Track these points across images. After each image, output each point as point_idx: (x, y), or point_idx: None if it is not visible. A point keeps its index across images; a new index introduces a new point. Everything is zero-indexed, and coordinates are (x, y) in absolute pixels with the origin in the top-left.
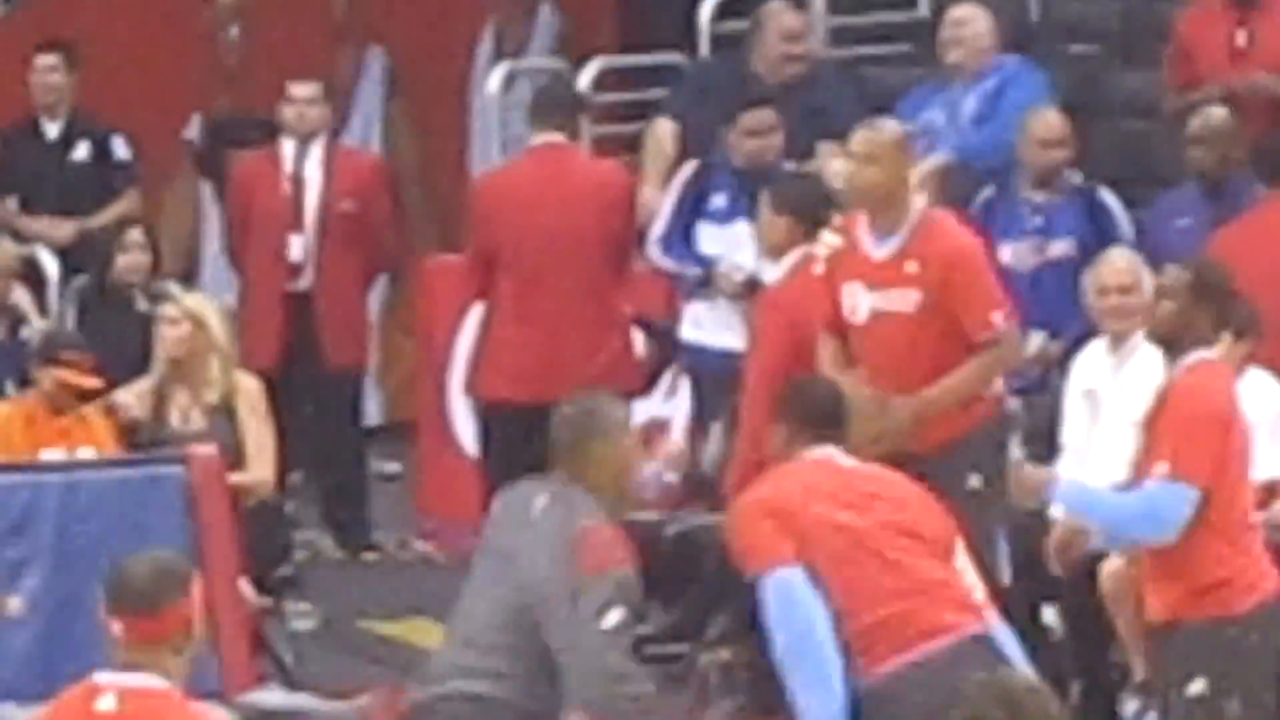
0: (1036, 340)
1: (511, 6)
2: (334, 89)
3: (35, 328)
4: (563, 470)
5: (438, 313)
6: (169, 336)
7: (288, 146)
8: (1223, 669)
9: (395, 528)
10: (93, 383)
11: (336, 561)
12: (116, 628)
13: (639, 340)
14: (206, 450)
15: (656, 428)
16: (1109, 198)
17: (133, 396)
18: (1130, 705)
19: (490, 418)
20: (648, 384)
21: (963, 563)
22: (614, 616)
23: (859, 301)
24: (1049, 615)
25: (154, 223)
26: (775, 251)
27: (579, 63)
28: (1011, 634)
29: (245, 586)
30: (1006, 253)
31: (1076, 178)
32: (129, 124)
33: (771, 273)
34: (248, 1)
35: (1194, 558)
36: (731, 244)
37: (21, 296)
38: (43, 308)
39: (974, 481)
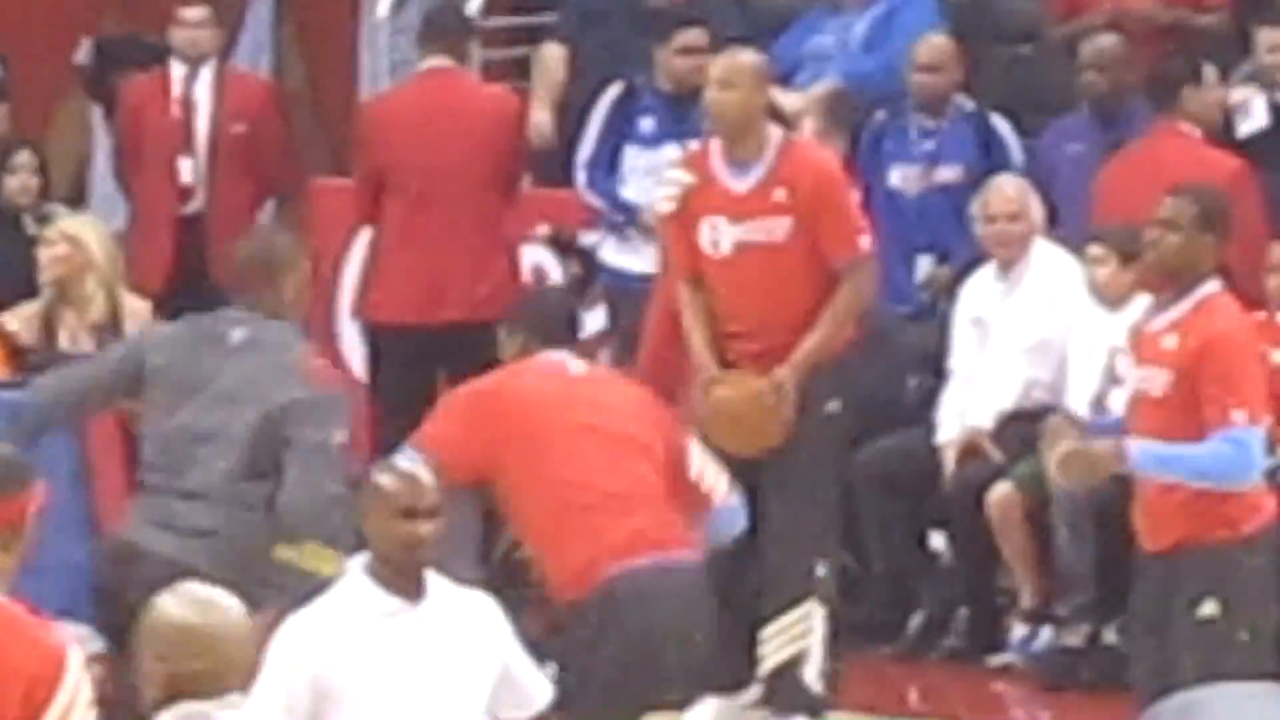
0: (924, 264)
1: None
2: (224, 12)
3: None
4: (248, 303)
5: (326, 236)
6: (46, 258)
7: (177, 69)
8: (1232, 590)
9: None
10: None
11: None
12: None
13: (561, 260)
14: None
15: None
16: (1000, 123)
17: (19, 321)
18: (1018, 631)
19: (378, 340)
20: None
21: (696, 476)
22: (340, 435)
23: (721, 236)
24: (937, 541)
25: (43, 145)
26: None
27: None
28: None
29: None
30: (895, 176)
31: (968, 104)
32: (18, 47)
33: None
34: None
35: None
36: (660, 167)
37: None
38: None
39: (832, 406)
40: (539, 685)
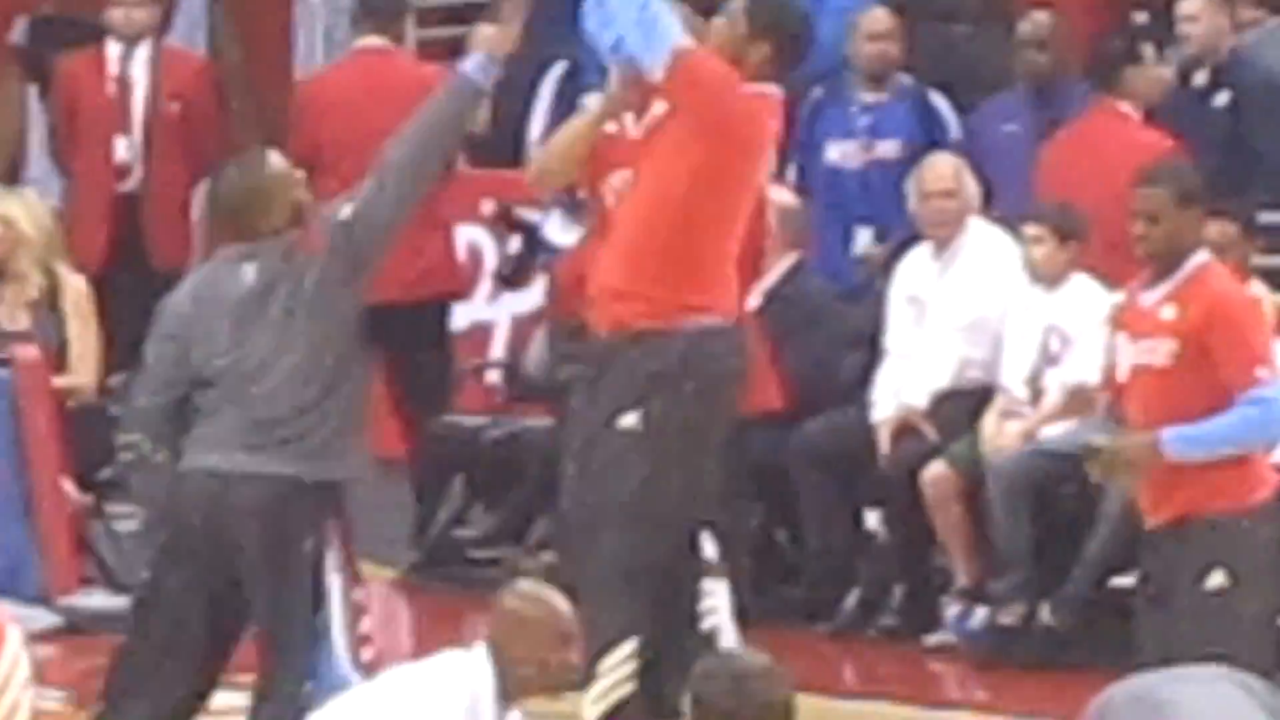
0: (864, 237)
1: None
2: None
3: None
4: (243, 234)
5: None
6: None
7: (113, 48)
8: (1238, 561)
9: None
10: None
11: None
12: None
13: (500, 238)
14: (29, 351)
15: (481, 331)
16: (939, 100)
17: None
18: (953, 610)
19: None
20: (518, 281)
21: None
22: None
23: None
24: (872, 520)
25: None
26: None
27: None
28: None
29: (69, 487)
30: (834, 151)
31: (906, 80)
32: None
33: None
34: None
35: None
36: None
37: None
38: None
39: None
40: None
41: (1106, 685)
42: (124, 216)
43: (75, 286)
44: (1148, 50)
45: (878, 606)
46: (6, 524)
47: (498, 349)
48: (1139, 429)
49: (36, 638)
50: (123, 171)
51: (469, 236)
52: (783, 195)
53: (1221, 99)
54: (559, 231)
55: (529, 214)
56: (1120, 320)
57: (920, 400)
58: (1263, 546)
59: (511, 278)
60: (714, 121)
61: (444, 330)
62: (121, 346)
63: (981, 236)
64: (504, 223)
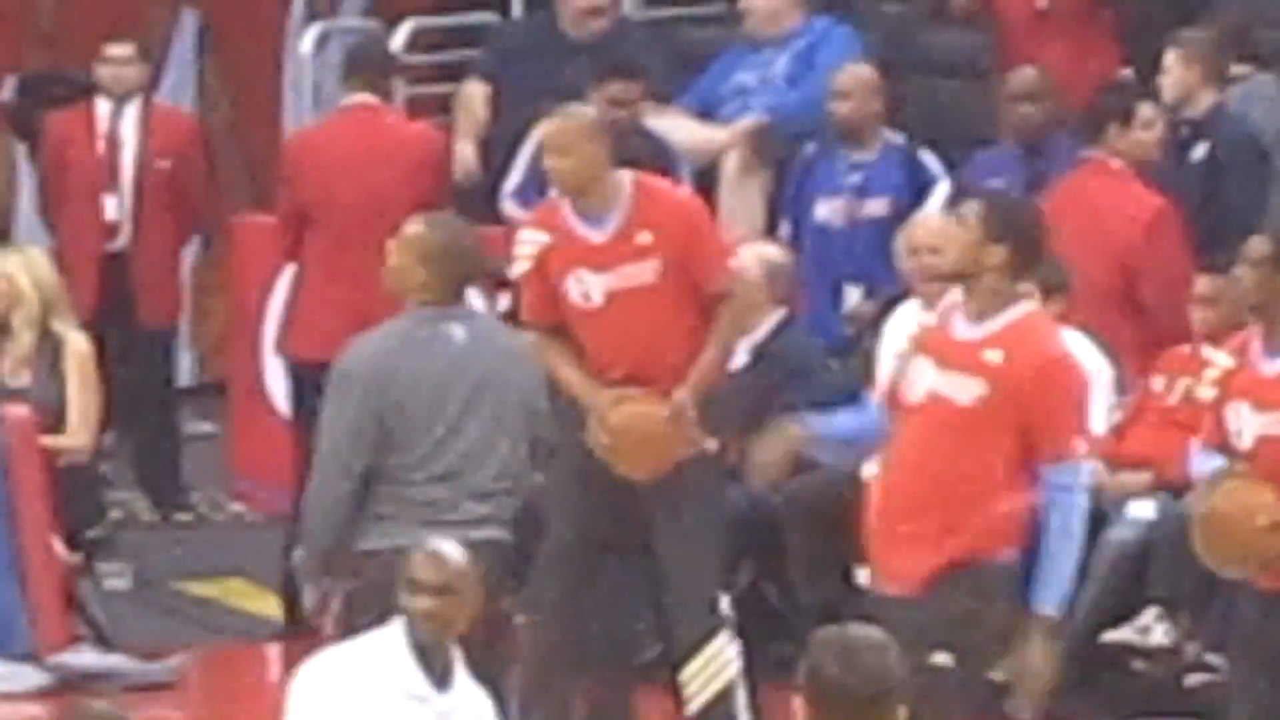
0: (854, 295)
1: None
2: (149, 48)
3: None
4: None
5: (250, 272)
6: None
7: (103, 106)
8: None
9: (209, 488)
10: None
11: (150, 522)
12: None
13: (489, 297)
14: (20, 410)
15: None
16: (928, 158)
17: None
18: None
19: (301, 377)
20: None
21: None
22: None
23: (590, 287)
24: (862, 575)
25: None
26: None
27: (392, 23)
28: None
29: (58, 546)
30: (822, 209)
31: (896, 137)
32: None
33: None
34: None
35: None
36: None
37: None
38: None
39: (710, 444)
40: None
41: None
42: (112, 275)
43: (80, 348)
44: (1145, 109)
45: None
46: None
47: None
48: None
49: (26, 696)
50: (112, 230)
51: None
52: (770, 251)
53: (1199, 152)
54: None
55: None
56: (1243, 388)
57: None
58: None
59: None
60: None
61: None
62: (109, 406)
63: None
64: (491, 280)
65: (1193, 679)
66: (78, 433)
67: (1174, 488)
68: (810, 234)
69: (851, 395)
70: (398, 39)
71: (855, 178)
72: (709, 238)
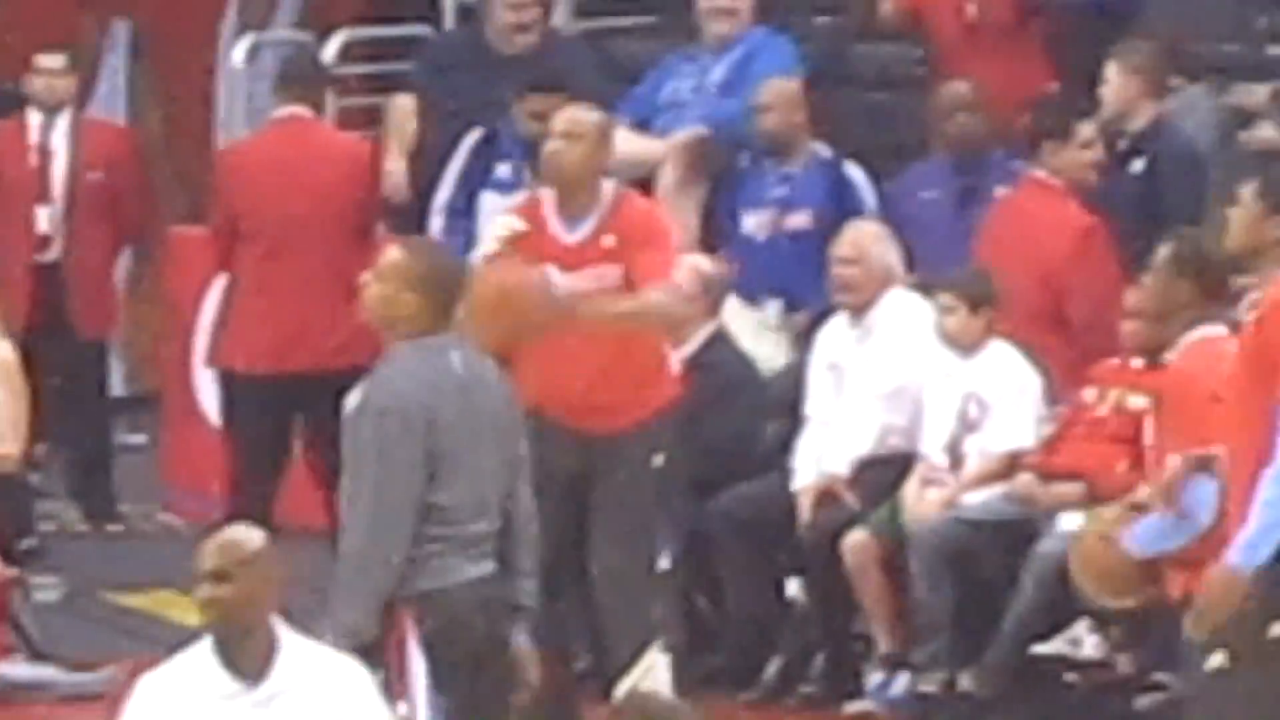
0: (772, 309)
1: None
2: (80, 60)
3: None
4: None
5: (183, 283)
6: None
7: (34, 117)
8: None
9: (140, 499)
10: None
11: (81, 533)
12: None
13: None
14: None
15: None
16: (854, 171)
17: None
18: (874, 677)
19: (232, 389)
20: None
21: None
22: None
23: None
24: (793, 588)
25: None
26: None
27: (324, 35)
28: None
29: None
30: (749, 221)
31: (824, 151)
32: None
33: None
34: None
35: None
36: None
37: None
38: None
39: (657, 460)
40: None
41: None
42: (45, 286)
43: (6, 359)
44: (1085, 129)
45: (799, 674)
46: None
47: None
48: None
49: None
50: (44, 241)
51: None
52: (703, 263)
53: (1137, 165)
54: None
55: None
56: None
57: (841, 468)
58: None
59: None
60: None
61: None
62: (40, 417)
63: (899, 304)
64: None
65: (1144, 700)
66: (8, 442)
67: (1105, 500)
68: (737, 246)
69: (782, 409)
70: (329, 50)
71: (781, 190)
72: (660, 249)
